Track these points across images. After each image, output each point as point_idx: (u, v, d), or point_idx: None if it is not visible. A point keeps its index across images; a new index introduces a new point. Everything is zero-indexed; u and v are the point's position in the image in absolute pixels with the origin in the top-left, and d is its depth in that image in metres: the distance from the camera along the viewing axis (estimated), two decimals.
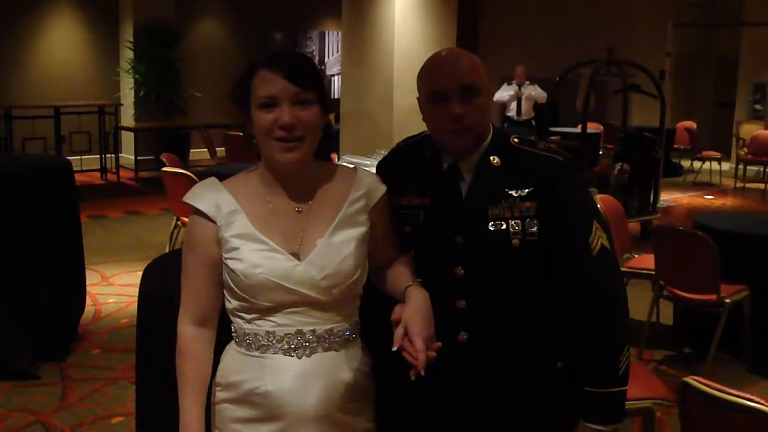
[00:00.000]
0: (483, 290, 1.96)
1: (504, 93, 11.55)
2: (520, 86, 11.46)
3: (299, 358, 1.86)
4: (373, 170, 2.13)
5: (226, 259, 1.88)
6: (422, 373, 1.77)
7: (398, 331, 1.83)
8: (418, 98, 2.02)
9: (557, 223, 1.94)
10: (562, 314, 1.98)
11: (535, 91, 11.35)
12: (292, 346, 1.86)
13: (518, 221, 1.93)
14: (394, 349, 1.81)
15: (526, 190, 1.94)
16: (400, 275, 1.99)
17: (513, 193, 1.95)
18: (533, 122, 11.49)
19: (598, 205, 2.19)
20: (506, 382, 1.97)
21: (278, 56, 1.89)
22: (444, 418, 2.01)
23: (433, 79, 1.96)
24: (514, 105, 11.49)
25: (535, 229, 1.93)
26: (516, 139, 2.02)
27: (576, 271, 1.95)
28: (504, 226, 1.94)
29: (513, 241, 1.93)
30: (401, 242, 2.07)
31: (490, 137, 2.01)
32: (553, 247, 1.95)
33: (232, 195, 1.91)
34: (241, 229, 1.87)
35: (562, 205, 1.95)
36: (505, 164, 1.98)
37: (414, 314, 1.86)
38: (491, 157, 1.98)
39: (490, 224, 1.94)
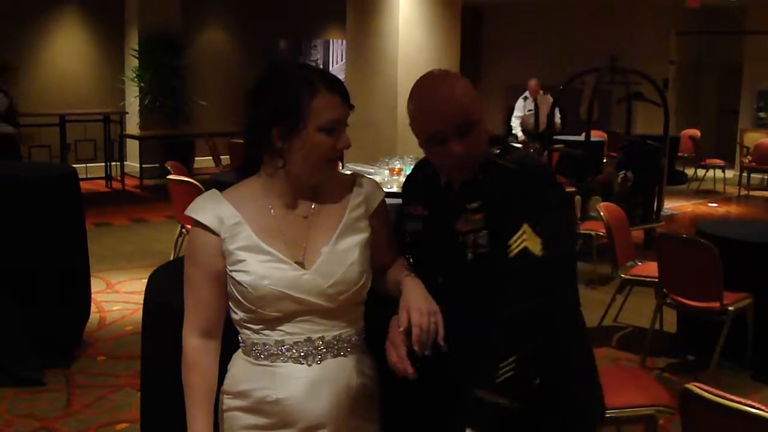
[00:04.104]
0: (455, 301, 1.94)
1: (518, 130, 11.63)
2: (535, 100, 11.49)
3: (309, 365, 1.88)
4: (377, 178, 2.16)
5: (231, 271, 1.88)
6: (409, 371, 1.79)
7: (402, 315, 1.84)
8: (410, 125, 2.00)
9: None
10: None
11: (546, 107, 11.36)
12: (302, 354, 1.88)
13: (470, 234, 1.93)
14: (401, 329, 1.82)
15: (477, 203, 1.93)
16: (396, 273, 2.01)
17: (468, 206, 1.94)
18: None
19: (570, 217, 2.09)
20: (485, 395, 1.94)
21: (334, 78, 1.90)
22: (444, 422, 2.02)
23: (427, 123, 1.92)
24: (532, 120, 11.57)
25: (483, 241, 1.90)
26: (497, 151, 1.98)
27: (492, 272, 1.88)
28: (461, 239, 1.94)
29: (468, 254, 1.93)
30: (402, 248, 2.09)
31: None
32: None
33: (233, 206, 1.91)
34: (245, 241, 1.88)
35: (500, 213, 1.89)
36: (483, 178, 1.96)
37: (411, 295, 1.88)
38: (480, 175, 1.96)
39: (458, 237, 1.95)
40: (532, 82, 11.53)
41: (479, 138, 1.93)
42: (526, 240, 1.82)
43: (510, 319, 1.82)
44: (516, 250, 1.83)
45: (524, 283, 1.83)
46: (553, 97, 10.57)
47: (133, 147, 12.37)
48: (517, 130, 11.60)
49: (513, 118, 11.80)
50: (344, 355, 1.92)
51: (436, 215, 2.03)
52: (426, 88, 1.96)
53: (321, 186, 1.96)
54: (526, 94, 11.63)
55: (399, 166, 5.46)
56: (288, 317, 1.87)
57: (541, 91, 11.50)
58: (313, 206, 1.95)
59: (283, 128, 1.85)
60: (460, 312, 1.91)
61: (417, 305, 1.84)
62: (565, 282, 1.91)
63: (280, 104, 1.85)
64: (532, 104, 11.55)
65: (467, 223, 1.93)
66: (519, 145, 10.20)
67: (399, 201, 2.20)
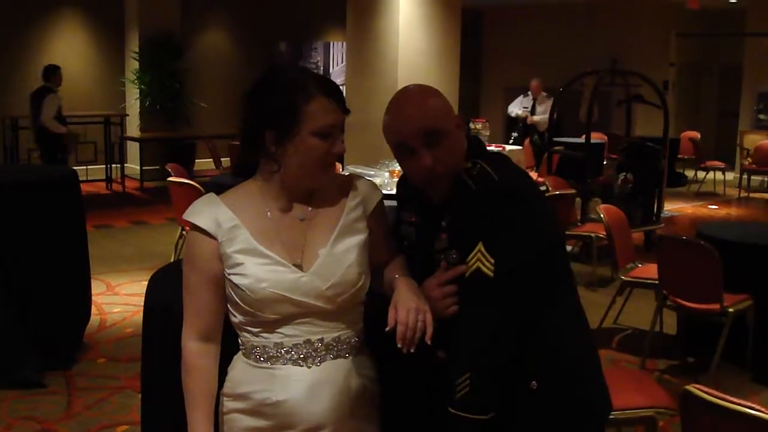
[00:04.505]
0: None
1: (515, 109, 12.18)
2: (535, 99, 11.86)
3: (309, 367, 1.88)
4: (377, 181, 2.16)
5: (229, 274, 1.88)
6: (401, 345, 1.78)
7: (389, 314, 1.83)
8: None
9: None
10: (530, 334, 1.92)
11: (544, 107, 11.52)
12: (302, 356, 1.88)
13: (442, 253, 1.93)
14: (388, 329, 1.80)
15: (444, 223, 1.93)
16: (391, 273, 1.99)
17: (441, 224, 1.94)
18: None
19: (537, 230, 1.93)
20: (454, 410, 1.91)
21: (329, 83, 1.89)
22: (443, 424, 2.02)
23: (393, 131, 1.92)
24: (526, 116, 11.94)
25: (452, 261, 1.90)
26: (469, 164, 1.93)
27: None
28: (436, 257, 1.95)
29: None
30: (400, 250, 2.08)
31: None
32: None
33: (231, 210, 1.91)
34: (243, 244, 1.87)
35: (462, 234, 1.88)
36: (452, 196, 1.94)
37: (400, 294, 1.87)
38: (451, 194, 1.94)
39: (434, 255, 1.96)
40: (534, 82, 11.94)
41: (450, 150, 1.91)
42: (479, 260, 1.82)
43: (460, 338, 1.84)
44: (469, 271, 1.83)
45: (474, 304, 1.85)
46: (552, 99, 10.61)
47: (133, 149, 12.38)
48: (516, 111, 12.09)
49: (509, 107, 12.42)
50: (344, 357, 1.92)
51: (423, 228, 2.02)
52: (398, 100, 1.97)
53: (318, 188, 1.96)
54: (528, 92, 12.03)
55: (399, 168, 5.46)
56: (287, 320, 1.87)
57: (544, 93, 11.74)
58: (310, 209, 1.95)
59: (277, 132, 1.84)
60: (440, 330, 1.90)
61: (405, 303, 1.83)
62: (524, 298, 1.85)
63: (274, 108, 1.84)
64: (530, 102, 11.83)
65: (439, 243, 1.94)
66: (512, 147, 10.36)
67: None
